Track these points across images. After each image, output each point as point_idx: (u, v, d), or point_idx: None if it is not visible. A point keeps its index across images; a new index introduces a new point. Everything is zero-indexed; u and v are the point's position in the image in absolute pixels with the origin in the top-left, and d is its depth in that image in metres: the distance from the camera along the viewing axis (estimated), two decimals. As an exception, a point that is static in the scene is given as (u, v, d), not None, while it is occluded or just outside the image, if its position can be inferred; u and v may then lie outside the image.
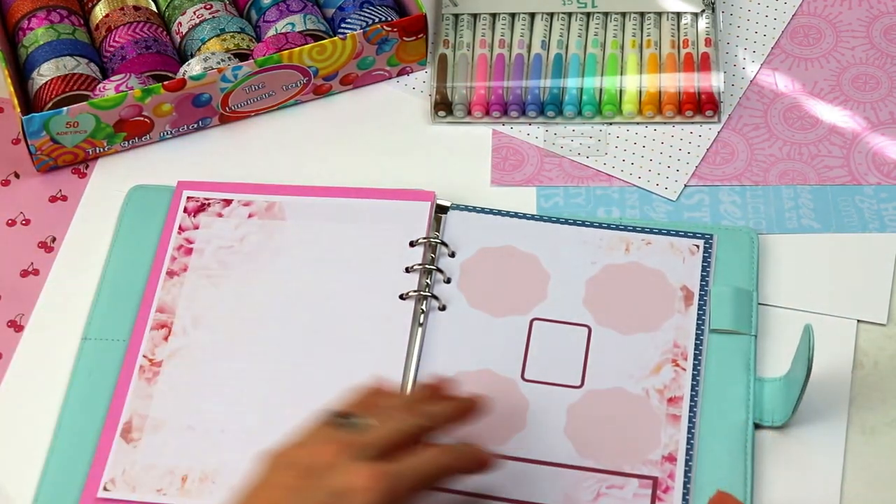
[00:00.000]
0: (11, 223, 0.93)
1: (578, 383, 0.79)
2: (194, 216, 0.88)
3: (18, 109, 0.92)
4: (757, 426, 0.79)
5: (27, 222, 0.93)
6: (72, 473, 0.78)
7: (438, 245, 0.85)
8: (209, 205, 0.88)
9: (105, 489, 0.76)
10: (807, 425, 0.81)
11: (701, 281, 0.83)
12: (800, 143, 0.95)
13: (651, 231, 0.86)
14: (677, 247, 0.84)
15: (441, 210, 0.88)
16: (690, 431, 0.77)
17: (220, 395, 0.80)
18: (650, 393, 0.78)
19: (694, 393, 0.79)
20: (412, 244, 0.85)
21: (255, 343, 0.82)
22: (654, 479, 0.75)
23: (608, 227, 0.86)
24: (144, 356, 0.82)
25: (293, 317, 0.83)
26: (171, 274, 0.85)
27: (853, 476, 0.80)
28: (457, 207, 0.88)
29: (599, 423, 0.77)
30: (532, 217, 0.87)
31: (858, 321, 0.86)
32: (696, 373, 0.79)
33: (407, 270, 0.84)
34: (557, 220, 0.87)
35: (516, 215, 0.87)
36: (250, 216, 0.88)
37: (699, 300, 0.82)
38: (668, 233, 0.86)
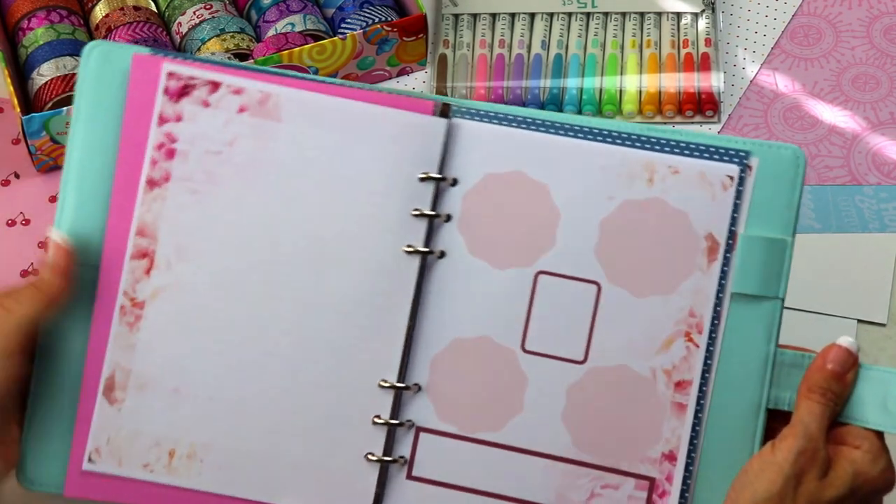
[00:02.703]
0: (11, 223, 0.93)
1: (582, 357, 0.75)
2: (176, 101, 0.75)
3: (18, 109, 0.92)
4: (772, 413, 0.74)
5: (27, 222, 0.93)
6: (55, 436, 0.74)
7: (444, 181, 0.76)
8: (194, 87, 0.75)
9: (90, 460, 0.73)
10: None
11: (728, 231, 0.74)
12: (800, 143, 0.95)
13: (681, 150, 0.75)
14: (708, 178, 0.74)
15: (443, 114, 0.75)
16: (695, 430, 0.73)
17: (208, 354, 0.74)
18: (657, 374, 0.74)
19: (703, 382, 0.74)
20: (422, 180, 0.75)
21: (245, 290, 0.74)
22: (651, 481, 0.74)
23: (631, 143, 0.75)
24: (125, 293, 0.74)
25: (288, 259, 0.74)
26: (151, 184, 0.74)
27: (853, 476, 0.79)
28: (460, 113, 0.75)
29: (600, 409, 0.75)
30: (546, 125, 0.75)
31: (858, 321, 0.86)
32: (708, 355, 0.74)
33: (415, 213, 0.75)
34: (573, 129, 0.75)
35: (528, 123, 0.75)
36: (241, 110, 0.75)
37: (724, 256, 0.74)
38: (701, 152, 0.75)
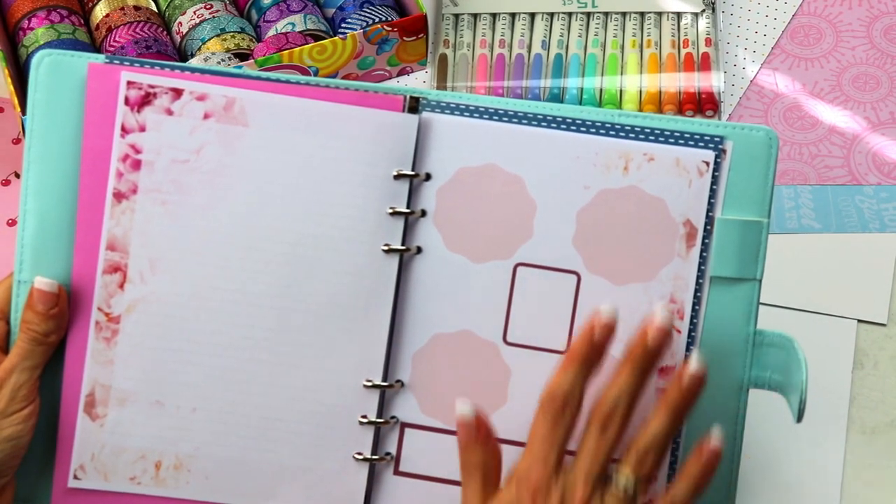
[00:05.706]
0: (12, 223, 0.93)
1: (564, 347, 0.74)
2: (138, 111, 0.73)
3: (18, 109, 0.92)
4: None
5: (27, 222, 0.93)
6: (39, 455, 0.74)
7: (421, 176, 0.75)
8: (155, 95, 0.73)
9: (76, 477, 0.73)
10: (807, 425, 0.81)
11: (706, 216, 0.74)
12: (800, 143, 0.95)
13: (656, 137, 0.74)
14: (684, 164, 0.73)
15: (412, 108, 0.75)
16: None
17: (189, 365, 0.73)
18: None
19: None
20: (397, 177, 0.74)
21: (223, 298, 0.73)
22: None
23: (605, 131, 0.74)
24: (99, 309, 0.72)
25: (264, 266, 0.74)
26: (118, 196, 0.73)
27: (853, 476, 0.80)
28: (430, 106, 0.74)
29: (584, 398, 0.75)
30: (517, 116, 0.75)
31: (858, 321, 0.86)
32: (690, 340, 0.73)
33: (390, 211, 0.74)
34: (546, 119, 0.75)
35: (500, 115, 0.75)
36: (206, 116, 0.73)
37: (702, 242, 0.74)
38: (676, 139, 0.74)
